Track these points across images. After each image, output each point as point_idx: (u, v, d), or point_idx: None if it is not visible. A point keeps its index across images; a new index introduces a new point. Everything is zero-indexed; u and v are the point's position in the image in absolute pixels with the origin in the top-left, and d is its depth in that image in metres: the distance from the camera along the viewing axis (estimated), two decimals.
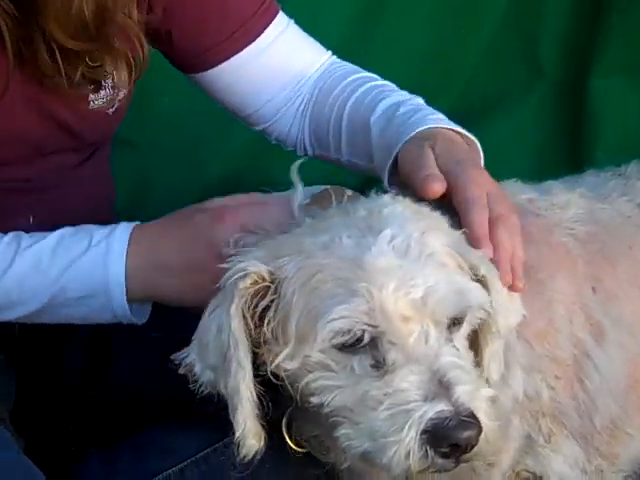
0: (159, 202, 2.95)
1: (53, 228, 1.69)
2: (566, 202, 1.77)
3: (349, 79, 1.94)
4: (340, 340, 1.40)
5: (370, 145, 1.80)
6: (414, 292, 1.39)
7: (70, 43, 1.66)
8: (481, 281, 1.48)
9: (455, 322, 1.44)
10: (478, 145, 1.72)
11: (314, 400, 1.46)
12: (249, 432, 1.48)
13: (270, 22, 1.93)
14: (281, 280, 1.46)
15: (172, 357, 1.53)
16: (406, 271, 1.40)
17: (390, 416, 1.37)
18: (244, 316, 1.46)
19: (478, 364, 1.50)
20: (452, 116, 3.04)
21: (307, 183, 1.61)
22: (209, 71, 1.94)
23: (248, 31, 1.91)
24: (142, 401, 1.97)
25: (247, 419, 1.47)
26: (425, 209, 1.54)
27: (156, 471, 1.90)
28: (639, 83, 3.05)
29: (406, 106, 1.77)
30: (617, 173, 1.91)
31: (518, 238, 1.53)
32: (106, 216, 2.07)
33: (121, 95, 1.85)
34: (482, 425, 1.37)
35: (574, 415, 1.65)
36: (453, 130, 1.70)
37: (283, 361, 1.46)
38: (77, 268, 1.63)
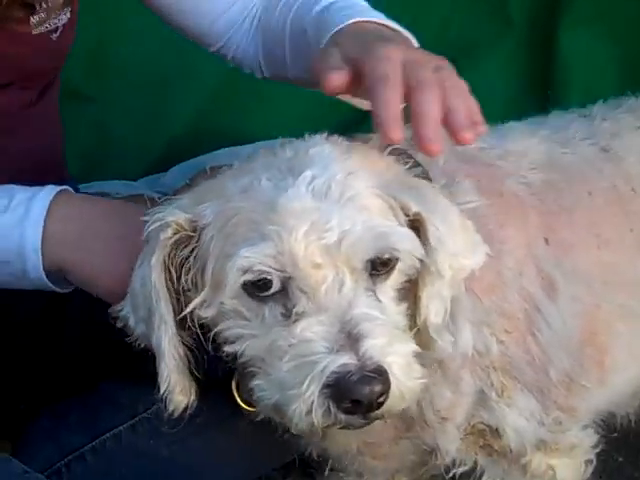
0: (120, 160, 2.90)
1: None
2: (524, 149, 1.70)
3: None
4: (247, 278, 1.34)
5: (310, 49, 1.69)
6: (328, 236, 1.32)
7: None
8: (417, 220, 1.41)
9: (380, 270, 1.37)
10: (413, 40, 1.59)
11: (228, 349, 1.41)
12: (175, 387, 1.44)
13: None
14: (201, 227, 1.40)
15: (109, 310, 1.48)
16: (321, 214, 1.33)
17: (294, 367, 1.31)
18: (168, 268, 1.41)
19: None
20: None
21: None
22: None
23: None
24: (94, 357, 1.92)
25: (172, 373, 1.43)
26: (360, 147, 1.47)
27: (107, 427, 1.87)
28: (606, 32, 3.00)
29: (339, 3, 1.66)
30: (582, 114, 1.84)
31: (449, 92, 1.38)
32: (55, 164, 2.04)
33: (64, 18, 1.79)
34: (391, 381, 1.30)
35: (527, 369, 1.60)
36: (377, 23, 1.55)
37: (200, 308, 1.41)
38: None
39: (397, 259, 1.38)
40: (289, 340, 1.32)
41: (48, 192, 1.58)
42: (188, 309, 1.41)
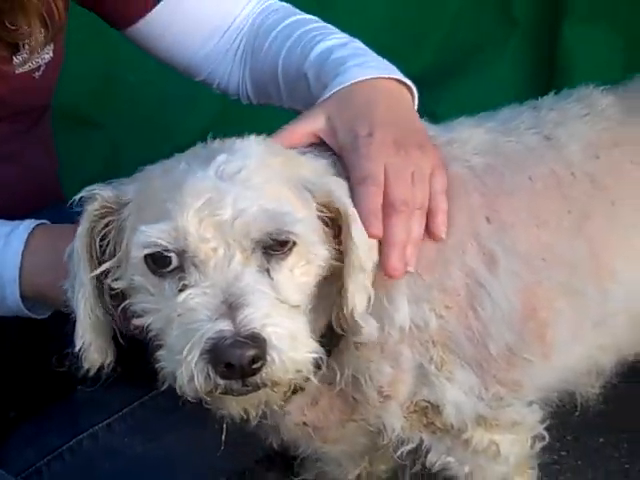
0: None
1: None
2: (468, 137, 1.74)
3: (283, 24, 1.91)
4: (146, 252, 1.41)
5: (308, 91, 1.79)
6: (221, 213, 1.38)
7: None
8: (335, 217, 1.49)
9: (276, 250, 1.42)
10: (414, 90, 1.70)
11: (136, 322, 1.49)
12: (89, 345, 1.52)
13: None
14: (124, 203, 1.49)
15: (60, 284, 1.57)
16: (219, 193, 1.40)
17: (179, 335, 1.38)
18: (94, 238, 1.50)
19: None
20: (430, 70, 3.11)
21: None
22: (137, 25, 1.94)
23: None
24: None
25: (86, 333, 1.51)
26: (292, 152, 1.56)
27: (85, 427, 1.93)
28: (609, 28, 3.02)
29: (339, 51, 1.75)
30: (533, 106, 1.86)
31: (414, 219, 1.54)
32: (49, 194, 2.10)
33: (46, 57, 1.84)
34: (267, 349, 1.34)
35: (467, 343, 1.63)
36: (385, 78, 1.67)
37: (113, 281, 1.50)
38: None
39: (294, 242, 1.43)
40: (178, 310, 1.39)
41: (26, 226, 1.68)
42: (97, 271, 1.49)
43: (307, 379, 1.45)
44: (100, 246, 1.52)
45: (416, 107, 1.71)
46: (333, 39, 1.81)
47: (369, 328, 1.51)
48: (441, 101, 2.95)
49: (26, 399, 2.06)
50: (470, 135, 1.76)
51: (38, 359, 2.02)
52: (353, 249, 1.48)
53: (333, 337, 1.58)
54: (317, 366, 1.47)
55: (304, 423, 1.72)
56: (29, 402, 2.06)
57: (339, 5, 2.91)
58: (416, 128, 1.65)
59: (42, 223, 1.70)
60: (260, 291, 1.38)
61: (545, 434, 1.79)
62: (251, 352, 1.33)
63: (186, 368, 1.36)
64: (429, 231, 1.57)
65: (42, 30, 1.77)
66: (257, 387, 1.38)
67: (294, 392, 1.51)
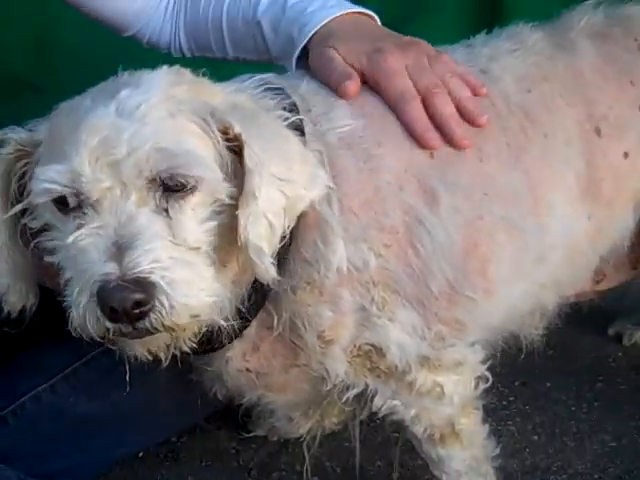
0: None
1: None
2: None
3: None
4: (46, 197, 1.39)
5: (262, 41, 1.82)
6: (116, 152, 1.35)
7: None
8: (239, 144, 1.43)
9: (176, 190, 1.39)
10: (376, 18, 1.80)
11: (47, 259, 1.46)
12: (7, 289, 1.51)
13: None
14: (38, 144, 1.46)
15: None
16: (116, 130, 1.37)
17: (73, 276, 1.37)
18: (10, 181, 1.47)
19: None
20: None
21: None
22: None
23: None
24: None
25: (2, 277, 1.49)
26: (202, 80, 1.52)
27: (27, 390, 1.91)
28: None
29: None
30: (466, 44, 1.86)
31: (453, 88, 1.65)
32: None
33: None
34: (154, 293, 1.32)
35: (408, 282, 1.61)
36: (349, 13, 1.76)
37: (30, 221, 1.47)
38: None
39: (196, 182, 1.40)
40: (72, 251, 1.37)
41: None
42: (10, 212, 1.47)
43: (220, 325, 1.47)
44: (19, 187, 1.48)
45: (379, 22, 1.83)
46: None
47: (264, 267, 1.43)
48: None
49: None
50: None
51: None
52: (247, 176, 1.42)
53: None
54: (237, 312, 1.49)
55: (247, 369, 1.69)
56: None
57: None
58: (397, 34, 1.76)
59: None
60: (153, 232, 1.36)
61: (488, 375, 1.77)
62: (133, 296, 1.31)
63: (77, 310, 1.35)
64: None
65: None
66: (149, 331, 1.36)
67: (216, 336, 1.52)
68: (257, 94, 1.58)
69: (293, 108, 1.58)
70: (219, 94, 1.51)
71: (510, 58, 1.80)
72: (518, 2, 2.97)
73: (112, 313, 1.32)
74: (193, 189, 1.40)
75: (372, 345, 1.66)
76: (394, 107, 1.63)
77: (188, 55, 2.05)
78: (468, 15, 3.12)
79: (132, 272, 1.31)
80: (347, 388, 1.72)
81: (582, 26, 1.85)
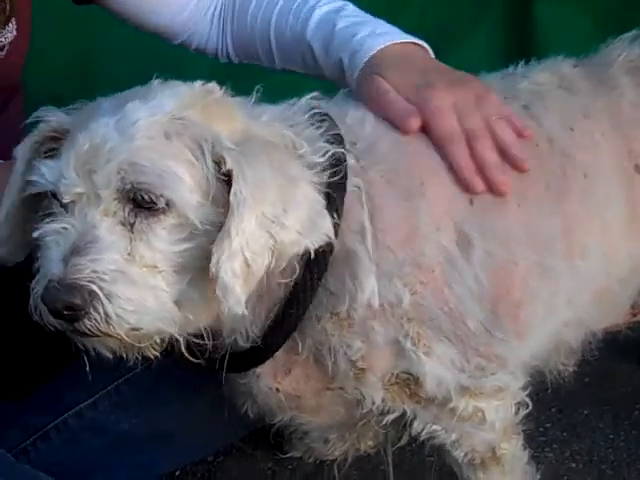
0: None
1: None
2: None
3: None
4: (33, 191, 1.47)
5: (313, 60, 1.82)
6: (93, 162, 1.39)
7: None
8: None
9: (147, 208, 1.40)
10: (427, 47, 1.79)
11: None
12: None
13: None
14: (65, 132, 1.51)
15: None
16: (104, 141, 1.39)
17: (39, 266, 1.42)
18: (39, 153, 1.52)
19: None
20: None
21: None
22: None
23: None
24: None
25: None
26: (228, 103, 1.51)
27: (70, 406, 1.93)
28: (582, 9, 3.00)
29: (341, 21, 1.79)
30: (503, 74, 1.85)
31: (499, 131, 1.62)
32: None
33: (9, 37, 1.81)
34: (92, 301, 1.35)
35: (444, 319, 1.59)
36: (399, 43, 1.74)
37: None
38: None
39: (167, 203, 1.40)
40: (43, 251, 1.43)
41: None
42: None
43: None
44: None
45: (432, 53, 1.81)
46: (325, 4, 1.83)
47: (228, 305, 1.41)
48: None
49: (5, 381, 2.04)
50: None
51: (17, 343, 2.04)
52: (229, 212, 1.41)
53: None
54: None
55: (277, 390, 1.69)
56: (8, 384, 2.03)
57: None
58: (447, 69, 1.73)
59: None
60: (108, 243, 1.38)
61: (528, 401, 1.76)
62: (64, 299, 1.35)
63: (33, 298, 1.40)
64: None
65: None
66: (87, 334, 1.39)
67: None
68: (303, 122, 1.56)
69: (338, 139, 1.57)
70: (238, 121, 1.48)
71: (552, 94, 1.78)
72: (548, 45, 2.97)
73: (51, 311, 1.38)
74: (164, 210, 1.40)
75: (410, 374, 1.64)
76: (441, 147, 1.61)
77: (236, 62, 2.06)
78: (499, 44, 3.14)
79: (71, 277, 1.35)
80: (385, 412, 1.71)
81: (621, 61, 1.83)
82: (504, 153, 1.62)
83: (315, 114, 1.58)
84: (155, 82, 1.51)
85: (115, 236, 1.39)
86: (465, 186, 1.59)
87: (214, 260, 1.39)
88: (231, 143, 1.42)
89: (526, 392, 1.76)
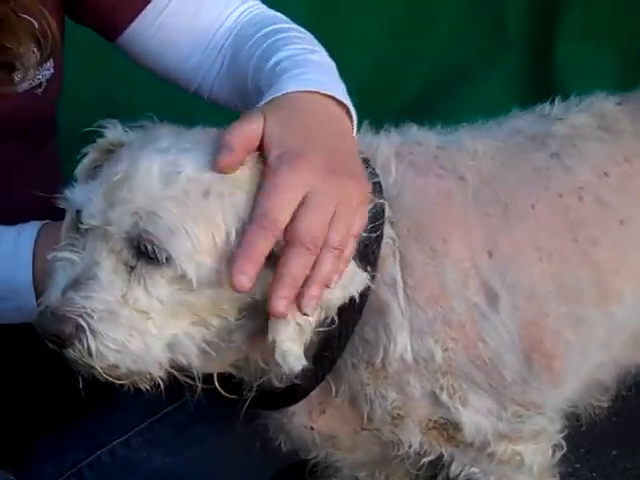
0: None
1: None
2: (478, 163, 1.67)
3: (258, 34, 1.79)
4: (63, 206, 1.50)
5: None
6: (117, 195, 1.38)
7: None
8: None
9: (150, 255, 1.36)
10: (351, 111, 1.48)
11: None
12: None
13: None
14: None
15: None
16: (134, 179, 1.37)
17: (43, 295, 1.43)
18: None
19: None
20: (424, 88, 3.06)
21: None
22: (124, 34, 1.88)
23: None
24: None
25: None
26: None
27: (103, 443, 1.91)
28: (603, 41, 2.98)
29: (286, 61, 1.60)
30: (540, 113, 1.79)
31: (327, 258, 1.33)
32: (59, 217, 2.11)
33: (47, 74, 1.79)
34: (78, 333, 1.38)
35: (478, 372, 1.57)
36: (319, 93, 1.44)
37: None
38: None
39: (166, 259, 1.36)
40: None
41: (32, 228, 1.64)
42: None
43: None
44: None
45: (354, 130, 1.49)
46: (290, 49, 1.66)
47: (290, 365, 1.38)
48: (435, 119, 2.95)
49: (41, 418, 2.04)
50: (480, 157, 1.68)
51: (51, 377, 2.03)
52: None
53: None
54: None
55: (312, 427, 1.68)
56: (44, 421, 2.03)
57: (333, 28, 2.86)
58: (350, 153, 1.41)
59: (47, 223, 1.68)
60: (106, 283, 1.38)
61: (563, 443, 1.75)
62: (51, 328, 1.39)
63: (37, 316, 1.42)
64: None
65: (35, 50, 1.72)
66: (74, 362, 1.41)
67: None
68: None
69: (378, 188, 1.54)
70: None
71: (588, 138, 1.72)
72: (571, 82, 2.98)
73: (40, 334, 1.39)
74: (166, 261, 1.38)
75: (448, 419, 1.62)
76: (251, 221, 1.32)
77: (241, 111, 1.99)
78: (520, 82, 3.13)
79: (62, 308, 1.37)
80: (422, 454, 1.69)
81: None
82: (313, 275, 1.33)
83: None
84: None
85: (114, 276, 1.38)
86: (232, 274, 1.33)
87: (270, 327, 1.38)
88: None
89: (562, 434, 1.75)
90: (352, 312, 1.51)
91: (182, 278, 1.37)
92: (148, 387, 1.48)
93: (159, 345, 1.41)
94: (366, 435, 1.67)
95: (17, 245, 1.62)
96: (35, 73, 1.75)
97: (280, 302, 1.30)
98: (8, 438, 2.00)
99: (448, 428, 1.63)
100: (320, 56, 1.65)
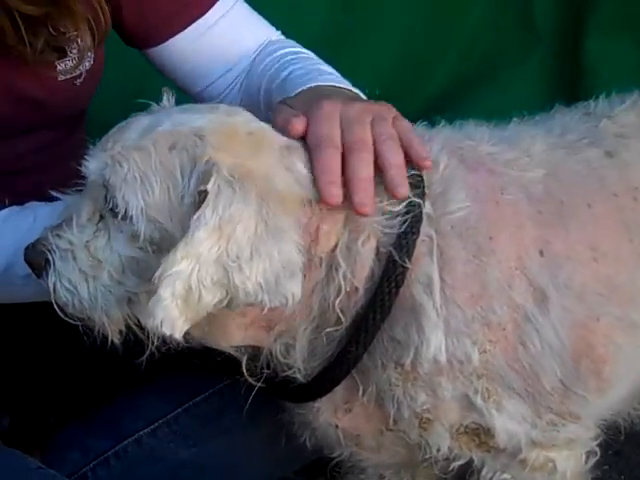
0: None
1: None
2: (529, 159, 1.60)
3: (268, 60, 1.84)
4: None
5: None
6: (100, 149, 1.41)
7: (27, 8, 1.58)
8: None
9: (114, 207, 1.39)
10: (362, 97, 1.57)
11: None
12: None
13: (215, 2, 1.86)
14: None
15: None
16: (115, 135, 1.43)
17: None
18: None
19: None
20: (453, 82, 2.98)
21: None
22: (157, 48, 1.88)
23: (192, 9, 1.85)
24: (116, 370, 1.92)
25: None
26: (263, 137, 1.44)
27: (129, 432, 1.88)
28: (633, 37, 2.89)
29: (300, 70, 1.68)
30: (585, 111, 1.74)
31: (384, 151, 1.41)
32: None
33: (87, 65, 1.77)
34: (43, 265, 1.45)
35: (515, 377, 1.51)
36: (334, 87, 1.55)
37: None
38: (23, 246, 1.54)
39: (124, 211, 1.38)
40: None
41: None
42: None
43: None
44: None
45: None
46: (302, 63, 1.75)
47: (157, 320, 1.35)
48: (464, 113, 2.91)
49: (66, 405, 2.03)
50: (531, 155, 1.62)
51: (77, 364, 2.00)
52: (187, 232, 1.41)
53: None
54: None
55: (336, 426, 1.62)
56: (69, 408, 2.02)
57: (360, 21, 2.83)
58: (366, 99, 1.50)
59: None
60: (78, 228, 1.44)
61: (597, 449, 1.67)
62: (27, 256, 1.47)
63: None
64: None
65: (89, 37, 1.72)
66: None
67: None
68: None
69: (418, 181, 1.48)
70: (257, 160, 1.40)
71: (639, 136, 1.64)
72: (600, 76, 2.92)
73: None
74: (125, 216, 1.37)
75: (480, 425, 1.56)
76: (311, 151, 1.40)
77: None
78: (548, 77, 3.04)
79: (41, 242, 1.46)
80: (450, 459, 1.63)
81: None
82: (383, 174, 1.41)
83: None
84: (222, 106, 1.48)
85: (88, 223, 1.43)
86: (320, 193, 1.38)
87: (158, 272, 1.32)
88: (228, 172, 1.33)
89: (597, 441, 1.68)
90: (379, 308, 1.45)
91: (134, 235, 1.38)
92: (115, 338, 1.48)
93: (111, 298, 1.42)
94: (391, 436, 1.61)
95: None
96: (81, 62, 1.74)
97: (364, 199, 1.38)
98: (35, 425, 1.99)
99: (480, 433, 1.56)
100: (332, 69, 1.70)
